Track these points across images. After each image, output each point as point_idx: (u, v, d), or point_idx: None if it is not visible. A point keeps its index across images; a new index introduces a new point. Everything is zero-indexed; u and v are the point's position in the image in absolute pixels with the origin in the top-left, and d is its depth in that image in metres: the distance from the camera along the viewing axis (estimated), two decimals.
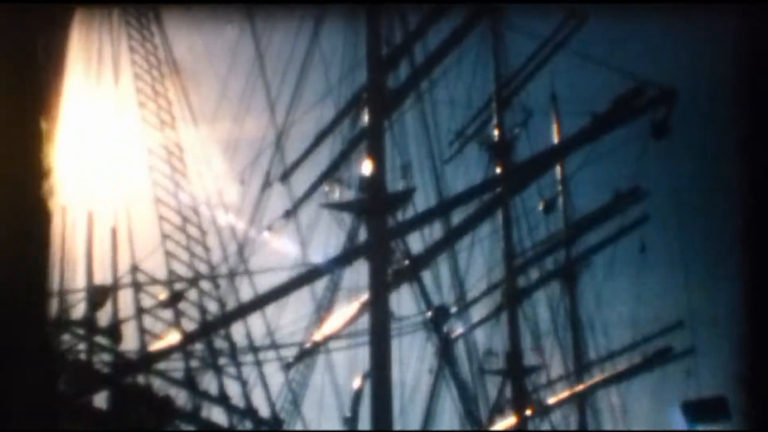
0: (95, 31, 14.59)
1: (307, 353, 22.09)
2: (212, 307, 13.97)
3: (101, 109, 14.41)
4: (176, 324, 13.39)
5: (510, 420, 27.89)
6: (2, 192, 7.47)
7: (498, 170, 29.32)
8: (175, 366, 13.41)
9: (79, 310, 13.35)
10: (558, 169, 33.49)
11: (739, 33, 9.95)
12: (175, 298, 13.42)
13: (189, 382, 13.31)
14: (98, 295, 13.24)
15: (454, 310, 23.06)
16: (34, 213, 7.57)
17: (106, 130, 14.29)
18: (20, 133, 7.61)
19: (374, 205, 19.34)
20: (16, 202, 7.45)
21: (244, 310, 14.11)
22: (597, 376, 32.49)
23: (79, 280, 13.67)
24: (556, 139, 33.59)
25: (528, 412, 28.59)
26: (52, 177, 12.82)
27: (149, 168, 13.92)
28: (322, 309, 22.39)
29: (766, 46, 9.22)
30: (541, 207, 30.92)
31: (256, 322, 14.75)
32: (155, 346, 13.33)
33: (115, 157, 14.19)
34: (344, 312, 21.14)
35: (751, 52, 9.52)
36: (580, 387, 32.15)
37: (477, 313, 28.96)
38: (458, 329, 23.96)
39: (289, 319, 19.93)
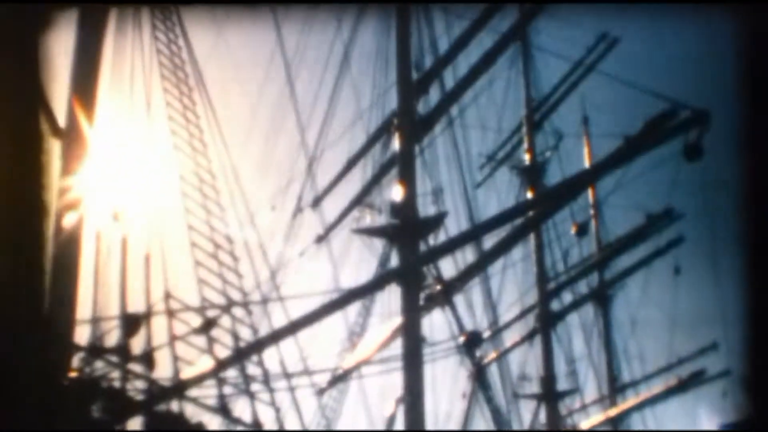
0: (127, 58, 14.73)
1: (339, 379, 22.09)
2: (245, 333, 13.96)
3: (133, 135, 14.52)
4: (209, 351, 13.39)
5: None
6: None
7: (529, 194, 29.28)
8: (208, 393, 13.40)
9: (112, 338, 13.40)
10: (590, 191, 33.41)
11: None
12: (207, 325, 13.43)
13: (222, 409, 13.29)
14: (131, 323, 13.28)
15: (487, 334, 23.00)
16: (31, 214, 7.46)
17: (139, 157, 14.39)
18: (18, 135, 7.53)
19: (405, 230, 19.35)
20: (13, 203, 7.35)
21: (277, 336, 14.08)
22: (631, 399, 32.27)
23: (112, 308, 13.74)
24: (587, 162, 33.55)
25: None
26: (79, 200, 12.98)
27: (181, 195, 13.97)
28: (355, 334, 22.41)
29: None
30: (573, 230, 30.85)
31: (288, 348, 14.74)
32: (188, 372, 13.33)
33: (147, 183, 14.27)
34: (377, 337, 21.11)
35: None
36: (614, 410, 31.94)
37: (510, 337, 28.92)
38: (491, 354, 23.90)
39: (322, 344, 19.95)
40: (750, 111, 9.51)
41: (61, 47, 13.40)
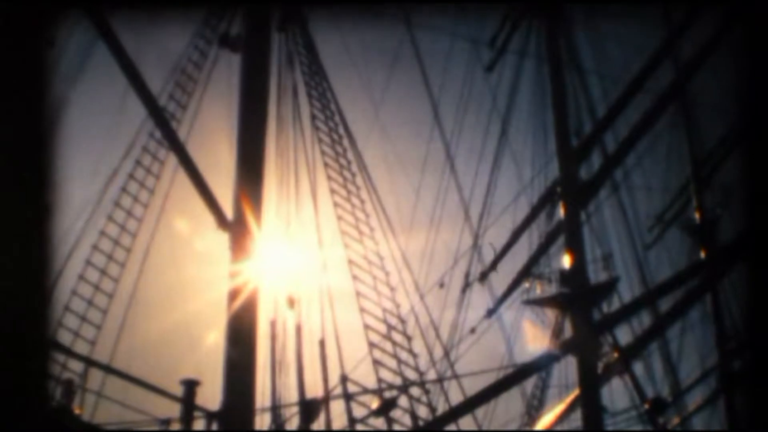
0: (289, 147, 15.10)
1: None
2: (423, 412, 13.93)
3: (302, 222, 14.82)
4: None
5: None
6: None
7: (702, 253, 28.48)
8: None
9: (293, 424, 13.55)
10: None
11: None
12: (386, 406, 13.45)
13: None
14: (311, 408, 13.40)
15: (669, 400, 22.33)
16: (31, 219, 7.28)
17: (309, 243, 14.66)
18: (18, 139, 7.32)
19: (577, 299, 19.03)
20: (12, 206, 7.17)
21: (455, 414, 13.98)
22: None
23: (291, 394, 13.92)
24: None
25: None
26: (251, 289, 13.21)
27: (352, 279, 14.14)
28: (533, 408, 22.09)
29: None
30: None
31: (467, 424, 14.62)
32: None
33: (318, 269, 14.50)
34: (556, 409, 20.76)
35: None
36: None
37: (693, 400, 28.00)
38: (675, 419, 23.18)
39: (501, 420, 19.72)
40: None
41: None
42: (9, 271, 6.79)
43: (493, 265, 23.10)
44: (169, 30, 16.35)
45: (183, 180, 13.82)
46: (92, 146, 16.66)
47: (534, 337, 22.18)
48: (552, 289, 20.82)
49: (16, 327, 6.74)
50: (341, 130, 15.49)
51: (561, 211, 20.31)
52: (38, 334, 7.21)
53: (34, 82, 7.50)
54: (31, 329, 6.97)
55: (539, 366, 19.09)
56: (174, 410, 12.46)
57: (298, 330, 14.07)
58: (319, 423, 13.53)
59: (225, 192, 13.99)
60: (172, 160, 14.58)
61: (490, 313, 22.80)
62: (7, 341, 6.67)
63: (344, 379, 13.53)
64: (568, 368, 19.69)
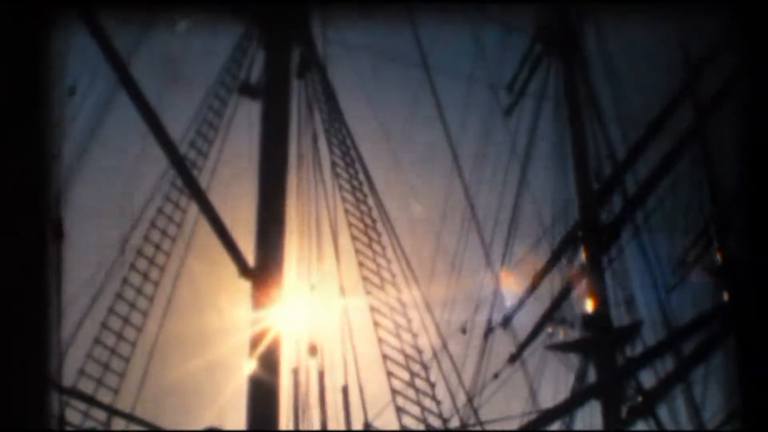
0: (310, 194, 15.14)
1: None
2: None
3: (322, 269, 14.82)
4: None
5: None
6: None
7: (725, 295, 28.28)
8: None
9: None
10: None
11: None
12: None
13: None
14: None
15: None
16: (35, 254, 7.11)
17: (330, 290, 14.65)
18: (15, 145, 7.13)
19: (601, 343, 18.93)
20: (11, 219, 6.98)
21: None
22: None
23: None
24: None
25: None
26: (272, 335, 13.20)
27: (374, 325, 14.10)
28: None
29: None
30: None
31: None
32: None
33: (340, 316, 14.48)
34: None
35: None
36: None
37: None
38: None
39: None
40: None
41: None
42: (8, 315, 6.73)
43: (516, 310, 22.99)
44: (190, 76, 16.53)
45: (204, 228, 13.88)
46: (113, 193, 16.76)
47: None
48: (575, 334, 20.65)
49: (16, 372, 6.67)
50: (361, 177, 15.53)
51: (583, 255, 20.25)
52: (40, 380, 7.14)
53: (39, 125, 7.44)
54: (32, 374, 6.90)
55: (562, 412, 18.94)
56: None
57: (321, 377, 14.02)
58: None
59: (246, 239, 14.04)
60: (193, 208, 14.62)
61: (513, 358, 22.64)
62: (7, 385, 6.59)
63: (367, 426, 13.46)
64: (592, 413, 19.48)
